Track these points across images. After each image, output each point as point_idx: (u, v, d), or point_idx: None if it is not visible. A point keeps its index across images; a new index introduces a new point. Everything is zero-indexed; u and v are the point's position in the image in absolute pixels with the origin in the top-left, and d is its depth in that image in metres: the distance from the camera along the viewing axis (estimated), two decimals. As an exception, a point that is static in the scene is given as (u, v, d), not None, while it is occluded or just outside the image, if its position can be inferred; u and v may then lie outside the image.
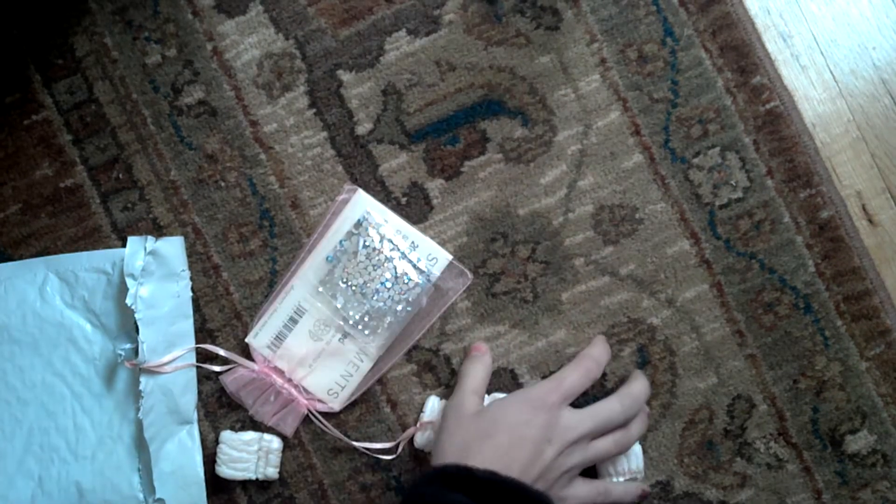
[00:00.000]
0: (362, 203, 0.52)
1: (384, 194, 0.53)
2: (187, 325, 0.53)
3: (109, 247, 0.53)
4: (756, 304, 0.53)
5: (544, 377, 0.53)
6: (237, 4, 0.53)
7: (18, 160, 0.54)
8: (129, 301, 0.50)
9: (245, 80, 0.53)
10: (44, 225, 0.54)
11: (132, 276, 0.51)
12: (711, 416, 0.53)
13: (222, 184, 0.54)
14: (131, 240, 0.52)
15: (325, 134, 0.53)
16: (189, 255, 0.53)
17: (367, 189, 0.53)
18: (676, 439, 0.53)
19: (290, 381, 0.52)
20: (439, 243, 0.53)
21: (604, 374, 0.53)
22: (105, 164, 0.54)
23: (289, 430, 0.52)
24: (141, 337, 0.50)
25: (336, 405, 0.52)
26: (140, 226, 0.53)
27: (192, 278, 0.53)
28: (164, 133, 0.54)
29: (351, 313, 0.52)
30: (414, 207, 0.53)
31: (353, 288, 0.52)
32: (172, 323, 0.52)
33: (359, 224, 0.52)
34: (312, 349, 0.52)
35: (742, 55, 0.53)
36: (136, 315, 0.50)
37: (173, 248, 0.52)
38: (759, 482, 0.53)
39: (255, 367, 0.52)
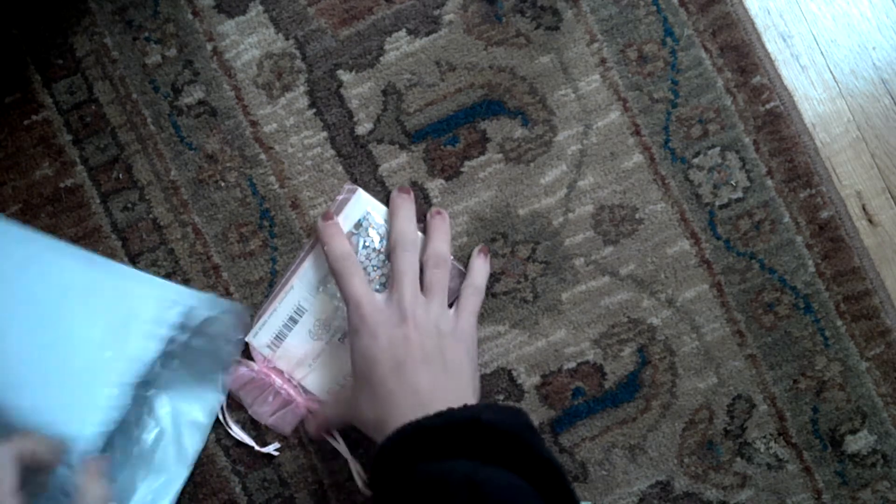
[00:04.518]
0: (363, 203, 0.52)
1: (384, 194, 0.53)
2: (223, 377, 0.52)
3: (109, 247, 0.53)
4: (756, 305, 0.53)
5: (543, 376, 0.53)
6: (237, 4, 0.53)
7: (18, 160, 0.54)
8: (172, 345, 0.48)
9: (245, 80, 0.53)
10: (44, 225, 0.53)
11: (184, 328, 0.48)
12: (711, 417, 0.53)
13: (222, 184, 0.54)
14: (208, 297, 0.50)
15: (325, 134, 0.53)
16: (189, 256, 0.53)
17: (366, 189, 0.53)
18: (676, 439, 0.53)
19: (289, 380, 0.52)
20: (439, 243, 0.53)
21: (603, 374, 0.53)
22: (105, 165, 0.54)
23: (287, 430, 0.52)
24: (175, 366, 0.50)
25: None
26: (140, 226, 0.53)
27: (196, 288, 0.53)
28: (164, 133, 0.54)
29: None
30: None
31: None
32: (210, 371, 0.51)
33: (359, 224, 0.52)
34: (312, 349, 0.52)
35: (742, 55, 0.53)
36: (174, 350, 0.49)
37: (237, 317, 0.51)
38: (759, 482, 0.53)
39: (255, 366, 0.52)
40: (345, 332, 0.52)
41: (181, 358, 0.51)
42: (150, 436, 0.51)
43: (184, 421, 0.52)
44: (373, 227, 0.52)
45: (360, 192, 0.52)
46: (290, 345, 0.52)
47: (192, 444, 0.52)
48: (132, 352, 0.47)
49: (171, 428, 0.52)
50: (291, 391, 0.52)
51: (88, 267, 0.49)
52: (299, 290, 0.52)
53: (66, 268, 0.48)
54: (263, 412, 0.52)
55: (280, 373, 0.52)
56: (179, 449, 0.52)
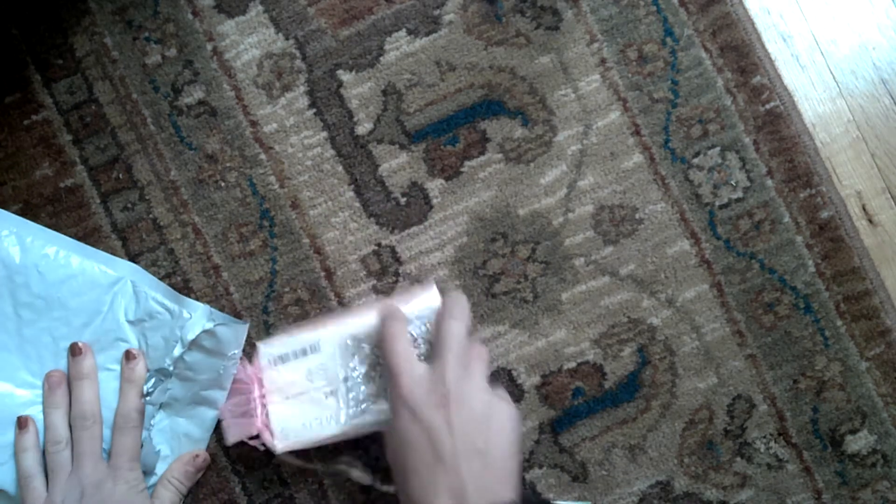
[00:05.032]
0: (432, 301, 0.49)
1: (384, 194, 0.53)
2: (220, 395, 0.52)
3: (109, 246, 0.53)
4: (756, 304, 0.53)
5: (543, 377, 0.53)
6: (237, 4, 0.53)
7: (18, 160, 0.54)
8: (167, 361, 0.50)
9: (245, 80, 0.53)
10: (44, 225, 0.53)
11: (181, 342, 0.50)
12: (711, 416, 0.53)
13: (222, 184, 0.54)
14: (203, 308, 0.51)
15: (325, 134, 0.53)
16: (189, 256, 0.53)
17: (366, 189, 0.53)
18: (676, 439, 0.53)
19: (262, 398, 0.50)
20: (439, 244, 0.53)
21: (603, 374, 0.53)
22: (105, 164, 0.54)
23: (230, 439, 0.50)
24: (170, 384, 0.51)
25: (279, 447, 0.49)
26: (140, 226, 0.53)
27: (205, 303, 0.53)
28: (164, 133, 0.54)
29: (357, 384, 0.49)
30: (414, 207, 0.53)
31: (377, 368, 0.49)
32: (206, 388, 0.51)
33: (420, 319, 0.49)
34: (297, 385, 0.50)
35: (742, 55, 0.53)
36: (171, 369, 0.50)
37: (234, 333, 0.52)
38: (759, 482, 0.53)
39: (249, 367, 0.51)
40: (334, 391, 0.49)
41: (177, 374, 0.51)
42: (148, 455, 0.51)
43: (183, 437, 0.52)
44: (428, 325, 0.49)
45: (436, 290, 0.50)
46: (284, 370, 0.50)
47: None
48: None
49: (170, 444, 0.52)
50: (258, 409, 0.50)
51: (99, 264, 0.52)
52: (329, 332, 0.50)
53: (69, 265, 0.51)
54: (226, 409, 0.51)
55: (261, 386, 0.51)
56: None
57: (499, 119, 0.53)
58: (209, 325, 0.51)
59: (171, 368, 0.50)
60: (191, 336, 0.50)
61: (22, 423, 0.49)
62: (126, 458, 0.49)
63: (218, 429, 0.53)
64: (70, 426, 0.50)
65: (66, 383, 0.50)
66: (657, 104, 0.53)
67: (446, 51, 0.53)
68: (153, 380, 0.51)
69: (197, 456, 0.51)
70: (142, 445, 0.50)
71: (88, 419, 0.49)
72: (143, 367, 0.50)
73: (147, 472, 0.51)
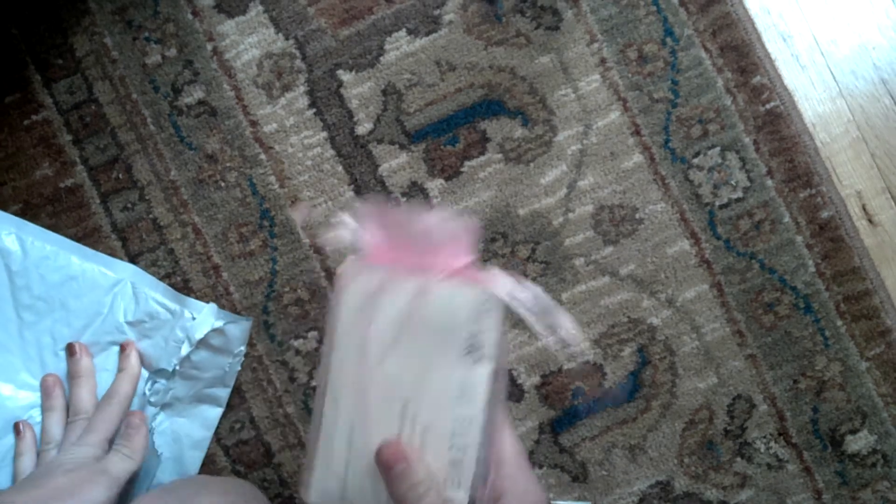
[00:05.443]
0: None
1: (384, 194, 0.53)
2: (224, 393, 0.52)
3: (109, 246, 0.53)
4: (756, 304, 0.53)
5: (543, 377, 0.53)
6: (237, 4, 0.53)
7: (18, 160, 0.54)
8: (173, 361, 0.50)
9: (245, 80, 0.53)
10: (44, 225, 0.53)
11: (189, 341, 0.50)
12: (711, 417, 0.53)
13: (222, 184, 0.54)
14: (210, 306, 0.52)
15: (325, 134, 0.53)
16: (189, 256, 0.53)
17: (367, 189, 0.53)
18: (677, 439, 0.53)
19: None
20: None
21: (603, 374, 0.53)
22: (105, 165, 0.54)
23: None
24: (172, 384, 0.51)
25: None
26: (140, 226, 0.53)
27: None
28: (164, 133, 0.54)
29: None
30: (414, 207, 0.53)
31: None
32: (210, 386, 0.52)
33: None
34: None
35: (742, 55, 0.53)
36: (176, 368, 0.51)
37: (240, 330, 0.52)
38: (759, 482, 0.53)
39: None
40: None
41: (181, 373, 0.51)
42: (149, 458, 0.51)
43: (184, 438, 0.52)
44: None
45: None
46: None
47: (193, 460, 0.52)
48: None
49: (171, 447, 0.52)
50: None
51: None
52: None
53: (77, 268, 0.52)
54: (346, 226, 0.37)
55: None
56: (181, 466, 0.52)
57: (499, 119, 0.53)
58: (218, 324, 0.51)
59: (178, 367, 0.50)
60: (199, 335, 0.50)
61: (18, 429, 0.50)
62: (100, 429, 0.48)
63: (219, 429, 0.53)
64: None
65: (60, 386, 0.51)
66: (657, 104, 0.53)
67: (446, 51, 0.53)
68: (151, 382, 0.51)
69: (131, 415, 0.50)
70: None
71: (81, 413, 0.49)
72: (136, 357, 0.51)
73: (149, 476, 0.51)
